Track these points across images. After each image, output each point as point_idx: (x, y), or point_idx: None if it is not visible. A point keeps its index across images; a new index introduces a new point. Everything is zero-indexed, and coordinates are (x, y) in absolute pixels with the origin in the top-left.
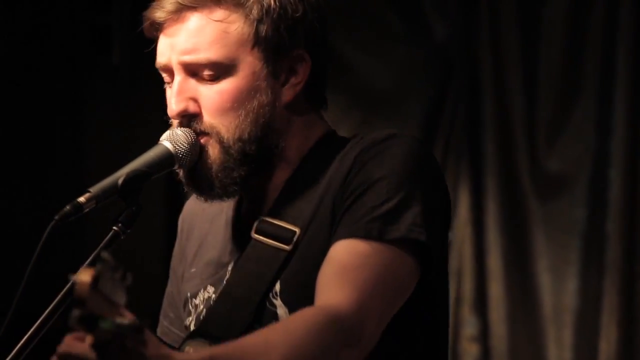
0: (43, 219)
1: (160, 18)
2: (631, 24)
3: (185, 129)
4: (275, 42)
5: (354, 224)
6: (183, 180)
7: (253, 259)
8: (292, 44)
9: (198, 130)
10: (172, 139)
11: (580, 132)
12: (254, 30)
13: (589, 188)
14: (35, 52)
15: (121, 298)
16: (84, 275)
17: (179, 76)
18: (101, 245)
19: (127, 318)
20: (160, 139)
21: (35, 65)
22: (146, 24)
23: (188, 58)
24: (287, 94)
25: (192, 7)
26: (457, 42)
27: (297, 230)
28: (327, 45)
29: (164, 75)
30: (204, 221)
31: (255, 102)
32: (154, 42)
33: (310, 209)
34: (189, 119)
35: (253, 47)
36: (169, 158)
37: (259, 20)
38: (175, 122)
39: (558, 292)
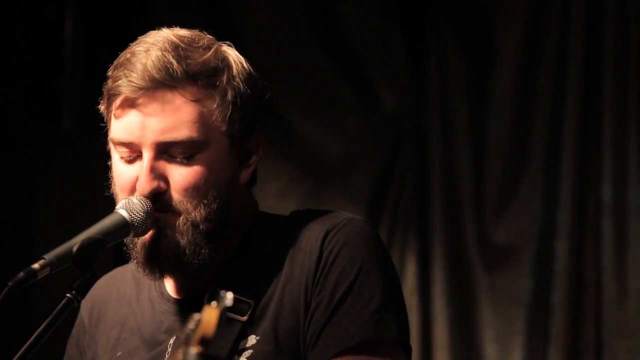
0: None
1: (132, 93)
2: (577, 98)
3: (142, 198)
4: (243, 125)
5: (345, 332)
6: (138, 250)
7: None
8: (252, 128)
9: (165, 208)
10: (128, 207)
11: (527, 205)
12: (229, 112)
13: (535, 260)
14: None
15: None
16: (211, 314)
17: (148, 154)
18: (54, 311)
19: None
20: (117, 207)
21: None
22: (112, 96)
23: (165, 137)
24: (244, 175)
25: (169, 86)
26: (406, 112)
27: (251, 302)
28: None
29: (121, 150)
30: (120, 305)
31: (221, 182)
32: (102, 112)
33: (266, 284)
34: (156, 197)
35: (226, 128)
36: (124, 226)
37: (234, 103)
38: (122, 194)
39: None
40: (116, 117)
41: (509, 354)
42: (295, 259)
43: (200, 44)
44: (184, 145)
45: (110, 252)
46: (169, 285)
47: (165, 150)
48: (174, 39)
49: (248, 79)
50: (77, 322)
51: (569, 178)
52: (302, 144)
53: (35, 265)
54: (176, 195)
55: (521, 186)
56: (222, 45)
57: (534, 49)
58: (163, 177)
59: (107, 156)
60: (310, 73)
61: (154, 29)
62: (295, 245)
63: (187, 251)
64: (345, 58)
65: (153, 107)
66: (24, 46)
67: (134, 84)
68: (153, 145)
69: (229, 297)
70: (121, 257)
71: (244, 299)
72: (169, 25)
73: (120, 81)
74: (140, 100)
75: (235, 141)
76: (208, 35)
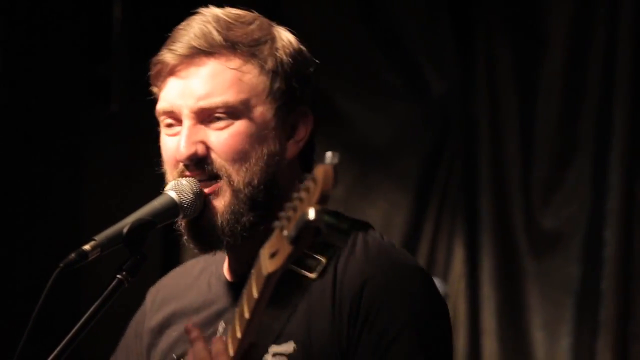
0: (42, 267)
1: (173, 60)
2: (628, 84)
3: (190, 179)
4: (286, 95)
5: None
6: (184, 230)
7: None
8: (300, 99)
9: (206, 175)
10: (177, 188)
11: (576, 191)
12: (268, 80)
13: (584, 246)
14: (34, 101)
15: None
16: (326, 171)
17: (188, 122)
18: (105, 293)
19: None
20: (165, 189)
21: (34, 114)
22: (156, 67)
23: (203, 103)
24: (291, 149)
25: (209, 53)
26: (454, 98)
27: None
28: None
29: (165, 119)
30: (183, 292)
31: (265, 150)
32: (153, 90)
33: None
34: (197, 162)
35: (267, 97)
36: (173, 208)
37: (274, 72)
38: (174, 173)
39: (551, 349)
40: (160, 89)
41: (557, 341)
42: (339, 289)
43: (245, 19)
44: (222, 111)
45: (158, 233)
46: (225, 267)
47: (205, 117)
48: (219, 13)
49: (294, 53)
50: (141, 307)
51: (618, 164)
52: (349, 128)
53: (86, 247)
54: (216, 158)
55: (570, 172)
56: (270, 22)
57: (583, 34)
58: (202, 143)
59: (157, 138)
60: (358, 58)
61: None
62: (339, 272)
63: (228, 217)
64: (393, 43)
65: (191, 74)
66: (71, 29)
67: (174, 52)
68: (191, 111)
69: (329, 155)
70: (170, 239)
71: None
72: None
73: (163, 52)
74: (179, 68)
75: (278, 111)
76: (258, 14)
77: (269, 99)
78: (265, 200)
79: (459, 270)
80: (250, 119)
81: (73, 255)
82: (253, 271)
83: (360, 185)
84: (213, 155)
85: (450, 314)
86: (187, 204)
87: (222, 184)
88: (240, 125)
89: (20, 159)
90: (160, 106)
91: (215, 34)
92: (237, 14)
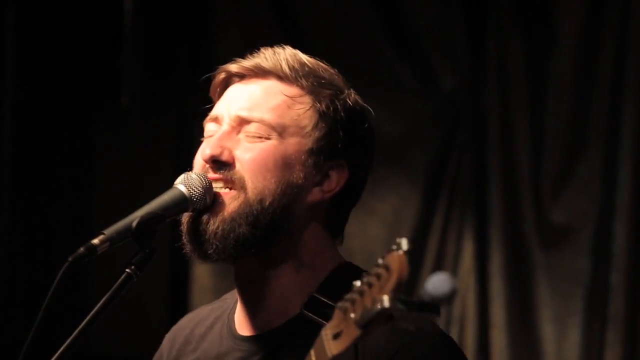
0: (52, 261)
1: (236, 69)
2: (638, 79)
3: (201, 174)
4: (327, 140)
5: None
6: (184, 224)
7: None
8: (340, 152)
9: (228, 179)
10: (187, 182)
11: (586, 186)
12: (315, 119)
13: (594, 240)
14: (46, 95)
15: None
16: (400, 259)
17: (225, 127)
18: (114, 287)
19: None
20: (175, 183)
21: (46, 107)
22: (219, 76)
23: (243, 113)
24: (315, 195)
25: (271, 74)
26: (465, 93)
27: None
28: (364, 177)
29: (209, 128)
30: (197, 341)
31: (288, 178)
32: (162, 86)
33: None
34: (220, 165)
35: (307, 132)
36: (183, 202)
37: (324, 113)
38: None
39: (561, 342)
40: (216, 99)
41: (566, 334)
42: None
43: (321, 66)
44: (257, 126)
45: (168, 227)
46: (237, 320)
47: (242, 128)
48: (299, 52)
49: (353, 109)
50: (158, 351)
51: (628, 159)
52: None
53: (95, 241)
54: (239, 168)
55: (580, 167)
56: (346, 82)
57: (594, 29)
58: (230, 151)
59: (172, 136)
60: (369, 52)
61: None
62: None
63: (225, 225)
64: (404, 37)
65: (246, 87)
66: (83, 23)
67: (239, 63)
68: (230, 118)
69: (404, 242)
70: (179, 233)
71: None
72: (230, 3)
73: (229, 63)
74: (244, 78)
75: (314, 151)
76: (338, 72)
77: (308, 135)
78: (269, 224)
79: (468, 264)
80: (283, 143)
81: (82, 249)
82: (312, 351)
83: (370, 180)
84: (237, 165)
85: (460, 308)
86: (196, 198)
87: (236, 193)
88: (270, 145)
89: (32, 152)
90: (211, 113)
91: (284, 62)
92: (316, 61)
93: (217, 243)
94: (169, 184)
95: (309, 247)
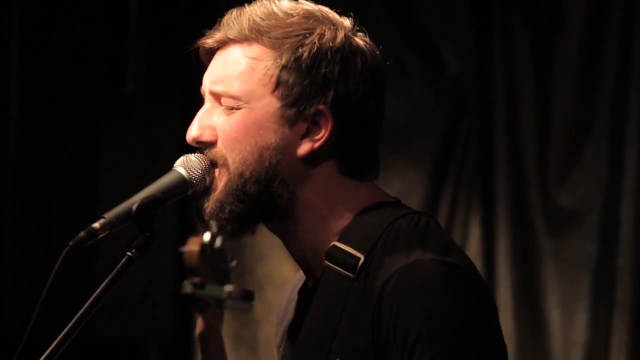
0: (56, 246)
1: (208, 45)
2: None
3: (200, 155)
4: (296, 91)
5: None
6: (193, 210)
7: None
8: (316, 99)
9: (212, 158)
10: (186, 164)
11: (592, 169)
12: (277, 73)
13: (600, 224)
14: (51, 82)
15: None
16: (193, 245)
17: (207, 104)
18: (115, 271)
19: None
20: (174, 165)
21: (51, 95)
22: (201, 50)
23: (214, 87)
24: (304, 147)
25: (236, 41)
26: (470, 77)
27: (361, 256)
28: (376, 119)
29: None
30: (287, 309)
31: (262, 143)
32: (168, 72)
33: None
34: (204, 146)
35: (274, 90)
36: (182, 184)
37: (285, 67)
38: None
39: (568, 327)
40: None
41: (573, 318)
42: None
43: (294, 11)
44: (226, 100)
45: (174, 209)
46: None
47: (218, 101)
48: (272, 4)
49: (322, 52)
50: (282, 298)
51: (635, 142)
52: None
53: (96, 225)
54: (220, 146)
55: (586, 150)
56: (327, 19)
57: (600, 12)
58: (212, 128)
59: (177, 122)
60: (374, 37)
61: None
62: (371, 272)
63: (214, 204)
64: (410, 22)
65: (219, 58)
66: (88, 10)
67: (213, 37)
68: (209, 95)
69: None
70: (186, 216)
71: (353, 252)
72: None
73: (207, 35)
74: (216, 52)
75: (287, 106)
76: (318, 9)
77: (277, 92)
78: (259, 192)
79: (475, 249)
80: (252, 108)
81: (82, 233)
82: None
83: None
84: (219, 143)
85: None
86: (195, 180)
87: (221, 171)
88: (240, 115)
89: (37, 139)
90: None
91: (246, 22)
92: (290, 7)
93: (218, 223)
94: None
95: (322, 198)
